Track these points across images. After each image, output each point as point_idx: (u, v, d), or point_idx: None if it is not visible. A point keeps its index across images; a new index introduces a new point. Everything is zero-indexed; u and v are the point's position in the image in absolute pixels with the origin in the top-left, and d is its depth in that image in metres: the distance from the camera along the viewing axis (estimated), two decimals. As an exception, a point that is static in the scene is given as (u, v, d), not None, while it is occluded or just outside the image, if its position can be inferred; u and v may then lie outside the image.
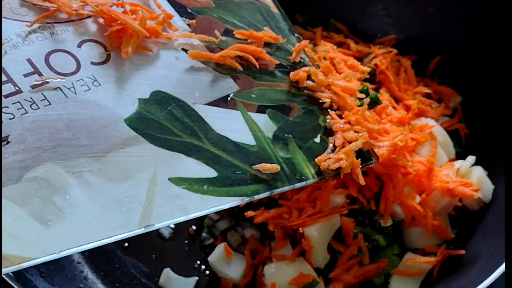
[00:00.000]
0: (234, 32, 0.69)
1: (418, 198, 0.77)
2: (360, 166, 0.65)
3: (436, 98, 0.91)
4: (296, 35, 0.74)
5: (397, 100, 0.87)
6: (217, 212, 0.87)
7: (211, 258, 0.81)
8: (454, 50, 0.92)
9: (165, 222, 0.55)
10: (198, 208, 0.57)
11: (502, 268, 0.65)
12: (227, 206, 0.58)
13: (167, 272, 0.83)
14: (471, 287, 0.65)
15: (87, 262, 0.84)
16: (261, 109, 0.66)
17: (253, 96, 0.67)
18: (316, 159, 0.64)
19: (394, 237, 0.79)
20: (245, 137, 0.63)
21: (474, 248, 0.77)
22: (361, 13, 1.00)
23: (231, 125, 0.63)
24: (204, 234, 0.87)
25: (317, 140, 0.66)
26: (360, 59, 0.89)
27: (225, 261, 0.81)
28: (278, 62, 0.70)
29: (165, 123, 0.60)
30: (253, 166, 0.61)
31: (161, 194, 0.56)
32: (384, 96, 0.84)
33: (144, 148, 0.58)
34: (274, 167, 0.62)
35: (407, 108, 0.85)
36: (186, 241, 0.88)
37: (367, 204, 0.76)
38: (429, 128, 0.82)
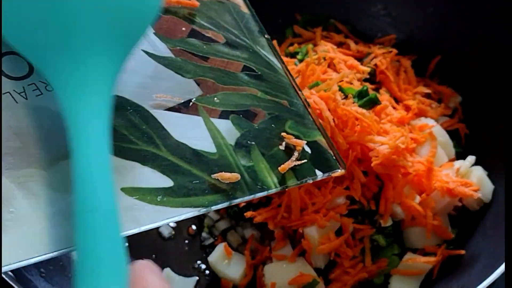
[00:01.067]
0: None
1: (418, 198, 0.77)
2: (326, 175, 0.62)
3: (436, 98, 0.91)
4: (266, 36, 0.70)
5: (397, 100, 0.87)
6: (217, 212, 0.87)
7: (211, 258, 0.81)
8: (454, 50, 0.92)
9: None
10: (151, 220, 0.54)
11: (502, 268, 0.64)
12: (182, 217, 0.55)
13: (167, 272, 0.83)
14: (471, 287, 0.65)
15: (87, 262, 0.84)
16: (224, 115, 0.62)
17: (217, 101, 0.63)
18: (279, 167, 0.60)
19: (394, 237, 0.79)
20: (205, 144, 0.60)
21: (474, 248, 0.78)
22: (361, 13, 1.00)
23: (192, 131, 0.60)
24: (204, 234, 0.87)
25: (282, 147, 0.62)
26: (360, 59, 0.89)
27: (225, 261, 0.81)
28: (245, 65, 0.67)
29: (120, 129, 0.57)
30: (212, 175, 0.58)
31: None
32: (384, 96, 0.84)
33: None
34: (234, 177, 0.58)
35: (407, 108, 0.85)
36: (186, 241, 0.88)
37: (367, 204, 0.76)
38: (429, 128, 0.82)
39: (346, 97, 0.77)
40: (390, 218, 0.77)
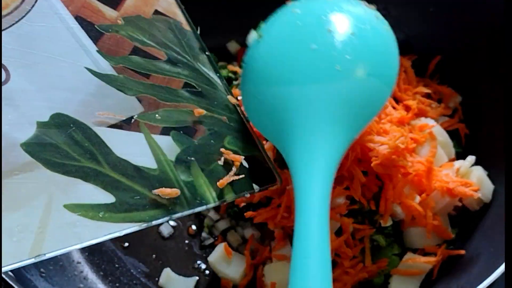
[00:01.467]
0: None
1: (418, 198, 0.77)
2: (263, 189, 0.65)
3: (436, 98, 0.91)
4: (206, 53, 0.72)
5: (397, 100, 0.87)
6: (217, 212, 0.87)
7: (211, 258, 0.82)
8: (454, 50, 0.92)
9: (57, 251, 0.54)
10: (93, 235, 0.56)
11: (502, 268, 0.64)
12: (123, 232, 0.57)
13: (167, 272, 0.83)
14: (471, 287, 0.65)
15: (87, 262, 0.84)
16: (165, 131, 0.64)
17: (158, 117, 0.65)
18: (218, 183, 0.63)
19: (394, 237, 0.79)
20: (146, 160, 0.62)
21: (474, 248, 0.77)
22: (361, 13, 0.99)
23: (133, 148, 0.62)
24: (204, 234, 0.87)
25: (221, 162, 0.64)
26: (360, 59, 0.89)
27: (225, 261, 0.81)
28: (186, 81, 0.68)
29: (63, 147, 0.58)
30: (153, 191, 0.60)
31: (55, 222, 0.55)
32: (384, 96, 0.84)
33: (40, 173, 0.56)
34: (174, 192, 0.60)
35: (407, 108, 0.85)
36: (186, 241, 0.88)
37: (367, 204, 0.76)
38: (429, 128, 0.81)
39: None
40: (390, 218, 0.77)
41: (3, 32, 0.62)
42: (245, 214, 0.78)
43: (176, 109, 0.66)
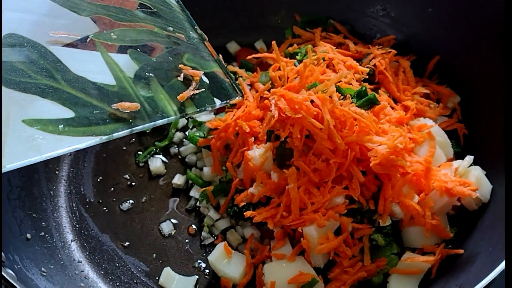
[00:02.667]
0: None
1: (416, 198, 0.77)
2: (224, 103, 0.67)
3: (435, 98, 0.91)
4: None
5: (395, 101, 0.87)
6: (217, 212, 0.88)
7: (211, 257, 0.82)
8: (452, 50, 0.92)
9: (17, 163, 0.55)
10: (53, 148, 0.57)
11: (500, 267, 0.65)
12: (83, 145, 0.58)
13: (168, 271, 0.83)
14: (470, 286, 0.66)
15: (87, 261, 0.85)
16: (122, 50, 0.67)
17: (114, 37, 0.67)
18: (178, 96, 0.65)
19: (393, 236, 0.79)
20: (105, 77, 0.64)
21: (473, 247, 0.78)
22: (360, 13, 1.00)
23: (90, 66, 0.64)
24: (204, 234, 0.88)
25: (181, 78, 0.67)
26: (359, 59, 0.90)
27: (225, 260, 0.81)
28: (140, 2, 0.71)
29: (18, 65, 0.60)
30: (112, 106, 0.62)
31: (14, 136, 0.56)
32: (383, 96, 0.84)
33: None
34: (134, 106, 0.62)
35: (406, 109, 0.85)
36: (186, 240, 0.88)
37: (366, 204, 0.77)
38: (427, 128, 0.82)
39: (344, 97, 0.77)
40: (389, 217, 0.77)
41: None
42: (245, 213, 0.78)
43: (132, 28, 0.68)
